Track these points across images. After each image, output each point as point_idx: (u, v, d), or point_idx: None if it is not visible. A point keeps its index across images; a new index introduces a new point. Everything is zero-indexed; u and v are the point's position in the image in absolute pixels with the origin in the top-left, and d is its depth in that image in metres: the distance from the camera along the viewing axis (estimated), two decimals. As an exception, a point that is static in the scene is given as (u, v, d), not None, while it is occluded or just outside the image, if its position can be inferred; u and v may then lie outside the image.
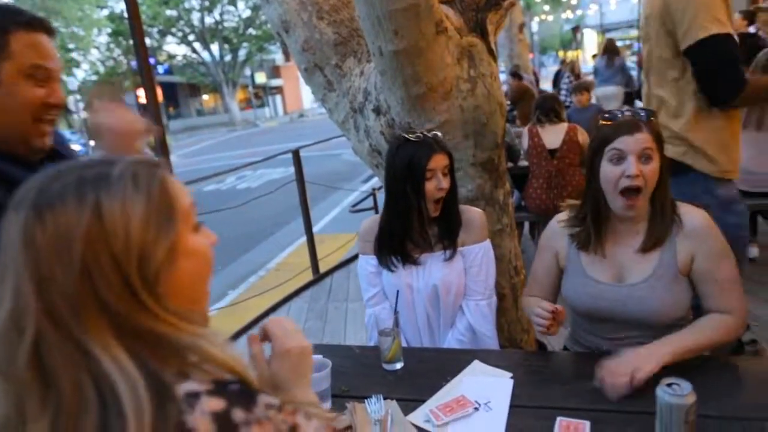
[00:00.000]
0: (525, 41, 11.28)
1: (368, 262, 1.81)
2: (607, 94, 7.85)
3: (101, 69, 29.20)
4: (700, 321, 1.40)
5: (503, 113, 2.36)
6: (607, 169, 1.40)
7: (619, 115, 1.44)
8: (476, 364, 1.50)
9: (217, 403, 0.57)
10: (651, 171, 1.37)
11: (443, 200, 1.70)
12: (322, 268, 4.70)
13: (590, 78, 10.11)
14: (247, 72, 33.53)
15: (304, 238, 4.79)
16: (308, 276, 4.57)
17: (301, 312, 4.01)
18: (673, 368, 1.27)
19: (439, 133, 1.76)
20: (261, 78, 36.15)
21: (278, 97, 39.06)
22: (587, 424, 1.20)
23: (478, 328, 1.74)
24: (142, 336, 0.60)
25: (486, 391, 1.37)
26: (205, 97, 38.44)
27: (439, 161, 1.65)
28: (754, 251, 3.72)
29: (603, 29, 26.74)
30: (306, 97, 36.88)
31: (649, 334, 1.41)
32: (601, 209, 1.46)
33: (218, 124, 32.21)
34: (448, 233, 1.74)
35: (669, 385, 1.10)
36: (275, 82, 38.24)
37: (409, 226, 1.71)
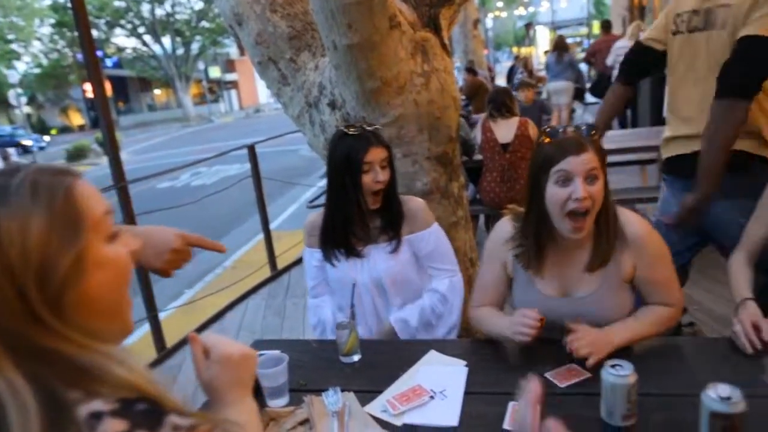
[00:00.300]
0: (479, 37, 11.45)
1: (312, 255, 1.83)
2: (558, 89, 8.11)
3: (44, 61, 27.97)
4: (645, 311, 1.47)
5: (457, 107, 2.40)
6: (553, 192, 1.35)
7: (560, 131, 1.40)
8: (432, 354, 1.53)
9: (118, 425, 0.55)
10: (597, 191, 1.34)
11: (383, 192, 1.72)
12: (280, 265, 4.66)
13: (542, 74, 10.38)
14: (201, 66, 32.73)
15: (261, 235, 4.73)
16: (266, 273, 4.52)
17: (259, 309, 3.97)
18: (617, 350, 1.34)
19: (380, 127, 1.78)
20: (215, 72, 35.37)
21: (233, 92, 38.35)
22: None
23: (450, 298, 1.79)
24: (43, 356, 0.58)
25: (441, 379, 1.40)
26: (156, 91, 37.35)
27: (376, 154, 1.67)
28: None
29: (554, 26, 27.38)
30: (262, 91, 36.26)
31: None
32: (545, 229, 1.43)
33: (171, 119, 31.36)
34: (390, 224, 1.76)
35: (612, 366, 1.16)
36: (230, 77, 37.49)
37: (350, 219, 1.73)
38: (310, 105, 2.46)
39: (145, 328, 3.58)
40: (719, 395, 1.03)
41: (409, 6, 2.26)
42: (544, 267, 1.48)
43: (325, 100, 2.36)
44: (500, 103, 3.89)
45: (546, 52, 11.47)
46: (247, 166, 4.51)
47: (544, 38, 27.54)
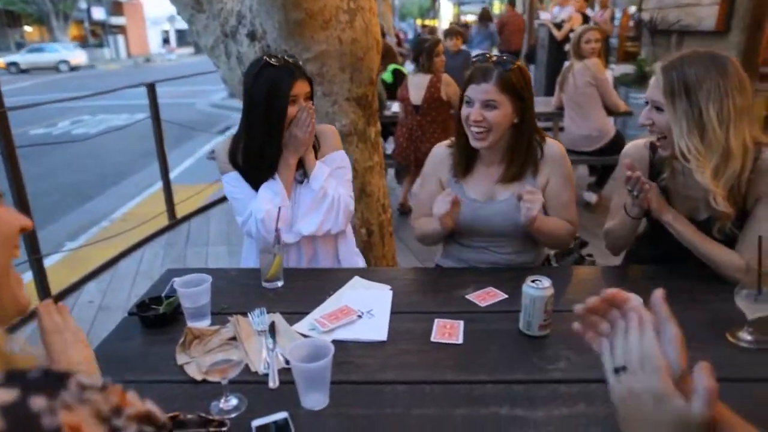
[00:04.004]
0: (388, 2, 11.41)
1: (232, 178, 1.72)
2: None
3: None
4: (555, 219, 1.65)
5: (379, 50, 2.39)
6: (463, 110, 1.60)
7: (484, 59, 1.57)
8: (357, 280, 1.55)
9: (6, 395, 0.46)
10: (494, 116, 1.53)
11: None
12: (179, 215, 4.42)
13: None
14: (83, 5, 29.53)
15: (153, 188, 4.41)
16: (163, 222, 4.27)
17: (157, 257, 3.76)
18: (534, 273, 1.45)
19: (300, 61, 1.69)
20: (99, 14, 32.10)
21: (120, 38, 35.10)
22: (461, 323, 1.32)
23: (336, 201, 1.71)
24: None
25: (368, 301, 1.42)
26: (27, 28, 33.17)
27: (301, 87, 1.62)
28: (593, 197, 4.28)
29: (458, 2, 27.93)
30: (153, 40, 33.54)
31: (508, 241, 1.67)
32: (469, 142, 1.62)
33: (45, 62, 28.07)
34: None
35: (533, 281, 1.25)
36: (116, 20, 34.24)
37: (271, 151, 1.67)
38: (226, 35, 2.33)
39: (28, 276, 3.25)
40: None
41: (336, -61, 2.19)
42: (471, 177, 1.68)
43: (243, 31, 2.25)
44: (420, 53, 3.87)
45: (468, 24, 11.93)
46: (136, 116, 4.18)
47: (447, 13, 28.00)
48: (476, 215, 1.64)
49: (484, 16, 8.80)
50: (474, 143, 1.58)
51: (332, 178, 1.71)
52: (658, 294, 0.68)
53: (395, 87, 4.80)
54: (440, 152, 1.74)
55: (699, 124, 1.34)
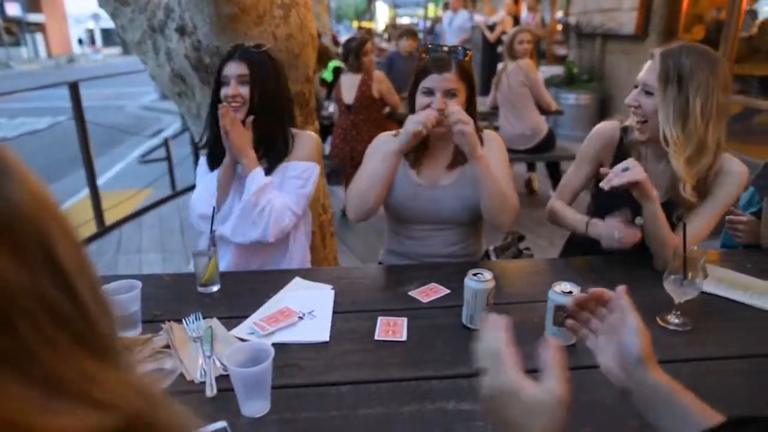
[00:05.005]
0: (324, 2, 11.34)
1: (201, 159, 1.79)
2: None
3: None
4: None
5: (315, 46, 2.35)
6: (419, 99, 1.61)
7: (436, 50, 1.60)
8: (297, 281, 1.51)
9: None
10: (455, 104, 1.56)
11: (250, 114, 1.63)
12: (109, 221, 4.18)
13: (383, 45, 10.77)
14: (-6, 0, 27.58)
15: (78, 196, 4.14)
16: (91, 229, 4.03)
17: (84, 267, 3.53)
18: (475, 267, 1.45)
19: (263, 44, 1.71)
20: (13, 10, 30.05)
21: (39, 36, 33.03)
22: (405, 320, 1.31)
23: (275, 218, 1.60)
24: None
25: (309, 302, 1.39)
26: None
27: (233, 69, 1.62)
28: None
29: (393, 5, 28.19)
30: (77, 39, 31.70)
31: (451, 230, 1.68)
32: None
33: (-47, 61, 26.02)
34: (266, 156, 1.68)
35: (474, 274, 1.25)
36: (34, 17, 32.20)
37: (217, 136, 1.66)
38: (153, 29, 2.22)
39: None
40: (562, 290, 1.17)
41: (268, -67, 2.14)
42: (419, 162, 1.69)
43: (172, 25, 2.15)
44: (348, 53, 3.86)
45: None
46: (58, 118, 3.93)
47: (383, 15, 28.17)
48: (421, 198, 1.66)
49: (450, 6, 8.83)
50: (434, 129, 1.57)
51: (271, 187, 1.62)
52: (621, 289, 0.72)
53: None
54: (385, 138, 1.74)
55: (684, 113, 1.40)
